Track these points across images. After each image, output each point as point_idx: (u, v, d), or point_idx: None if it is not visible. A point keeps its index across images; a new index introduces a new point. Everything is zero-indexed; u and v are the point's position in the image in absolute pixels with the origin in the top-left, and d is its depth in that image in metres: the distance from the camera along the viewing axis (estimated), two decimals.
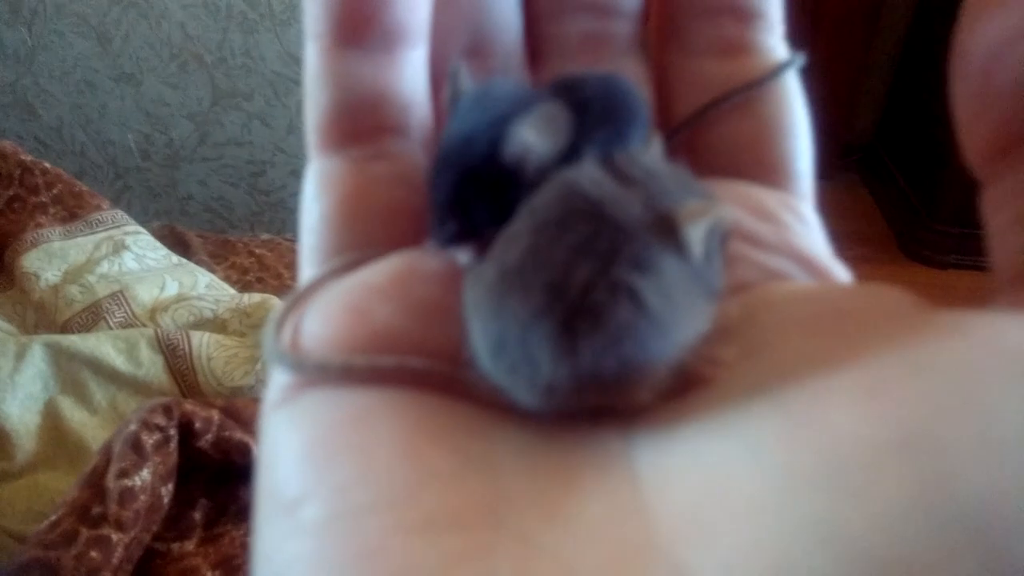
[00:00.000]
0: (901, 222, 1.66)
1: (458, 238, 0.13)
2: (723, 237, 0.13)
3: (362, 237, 0.14)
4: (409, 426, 0.11)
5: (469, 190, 0.13)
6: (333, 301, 0.13)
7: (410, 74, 0.15)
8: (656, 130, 0.15)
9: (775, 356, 0.12)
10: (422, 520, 0.10)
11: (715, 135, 0.16)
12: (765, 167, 0.15)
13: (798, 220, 0.15)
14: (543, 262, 0.11)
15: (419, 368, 0.12)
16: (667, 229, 0.11)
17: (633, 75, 0.16)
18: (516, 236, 0.12)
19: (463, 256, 0.13)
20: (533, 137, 0.13)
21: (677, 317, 0.11)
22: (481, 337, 0.12)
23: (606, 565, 0.09)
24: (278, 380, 0.13)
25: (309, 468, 0.11)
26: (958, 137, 0.13)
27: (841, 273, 0.15)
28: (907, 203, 1.65)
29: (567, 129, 0.13)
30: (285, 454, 0.12)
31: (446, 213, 0.13)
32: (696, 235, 0.11)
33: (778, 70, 0.16)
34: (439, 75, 0.15)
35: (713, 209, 0.12)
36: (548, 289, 0.11)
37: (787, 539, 0.08)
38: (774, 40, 0.16)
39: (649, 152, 0.13)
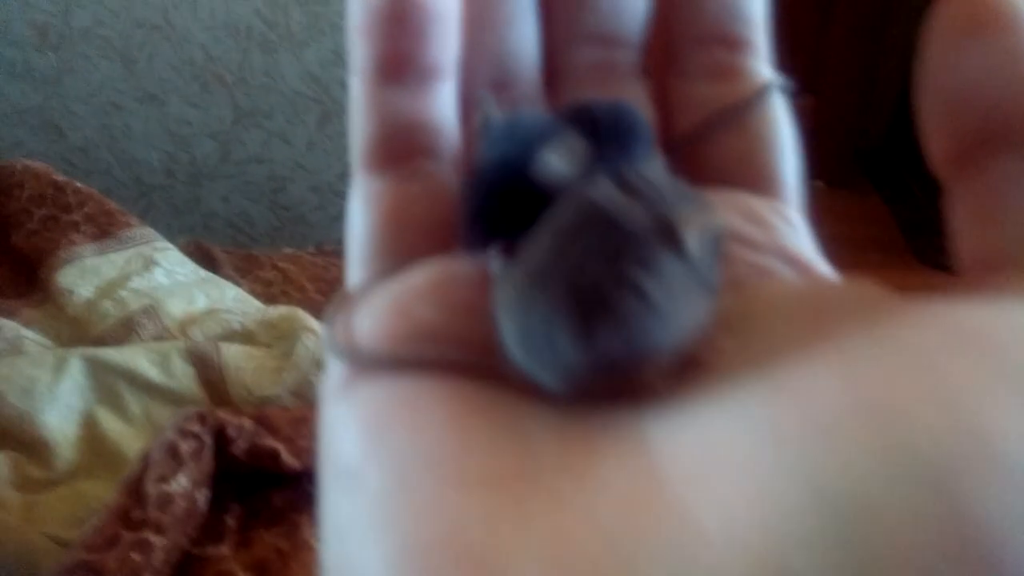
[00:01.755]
0: (914, 227, 1.67)
1: (495, 244, 0.15)
2: (718, 240, 0.15)
3: (401, 246, 0.16)
4: (452, 405, 0.13)
5: (504, 205, 0.15)
6: (380, 303, 0.15)
7: (442, 105, 0.17)
8: (658, 146, 0.18)
9: (765, 343, 0.13)
10: (466, 478, 0.12)
11: (710, 150, 0.18)
12: (755, 177, 0.17)
13: (785, 223, 0.17)
14: (562, 264, 0.13)
15: (458, 358, 0.14)
16: (667, 233, 0.13)
17: (637, 97, 0.18)
18: (539, 242, 0.14)
19: (495, 263, 0.15)
20: (557, 163, 0.15)
21: (678, 309, 0.13)
22: (510, 329, 0.14)
23: (622, 514, 0.11)
24: (335, 371, 0.15)
25: (367, 441, 0.13)
26: (924, 144, 0.15)
27: (824, 269, 0.16)
28: (920, 208, 1.66)
29: (585, 155, 0.15)
30: (346, 431, 0.14)
31: (486, 224, 0.15)
32: (692, 239, 0.13)
33: (764, 91, 0.18)
34: (468, 105, 0.17)
35: (707, 216, 0.14)
36: (567, 286, 0.13)
37: (775, 484, 0.10)
38: (760, 64, 0.18)
39: (651, 167, 0.16)
